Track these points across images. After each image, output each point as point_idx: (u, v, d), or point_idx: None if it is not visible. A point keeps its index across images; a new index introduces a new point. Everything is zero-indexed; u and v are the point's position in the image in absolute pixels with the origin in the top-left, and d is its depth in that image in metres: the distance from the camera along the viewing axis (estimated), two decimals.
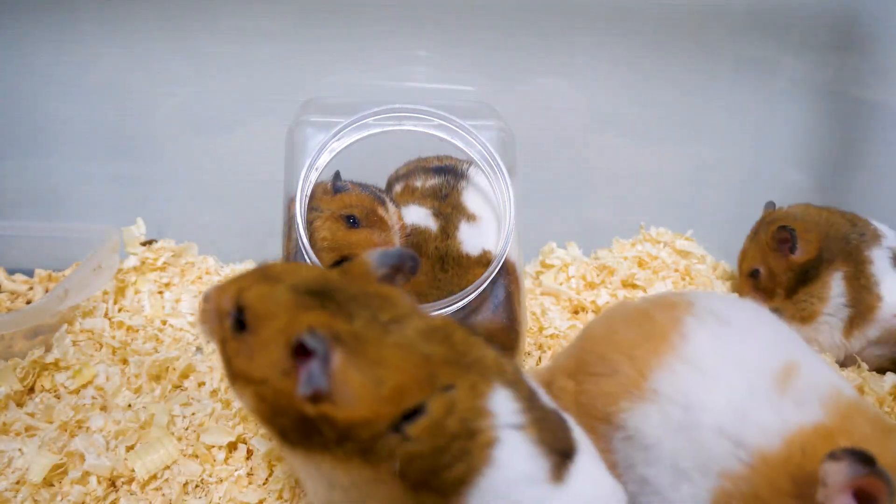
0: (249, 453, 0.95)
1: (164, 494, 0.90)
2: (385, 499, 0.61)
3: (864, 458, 0.57)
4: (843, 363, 1.24)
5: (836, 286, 1.21)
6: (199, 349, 1.20)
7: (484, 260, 1.05)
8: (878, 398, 1.08)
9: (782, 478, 0.65)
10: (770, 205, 1.37)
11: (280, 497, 0.89)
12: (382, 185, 1.21)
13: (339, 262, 0.97)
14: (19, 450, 0.92)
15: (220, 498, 0.89)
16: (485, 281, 0.99)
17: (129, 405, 1.03)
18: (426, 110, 1.04)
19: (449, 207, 1.10)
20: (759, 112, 1.59)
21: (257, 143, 1.49)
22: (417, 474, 0.59)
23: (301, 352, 0.59)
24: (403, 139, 1.06)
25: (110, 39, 1.43)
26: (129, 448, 0.93)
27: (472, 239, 1.07)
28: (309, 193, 1.01)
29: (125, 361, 1.13)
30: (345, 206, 1.03)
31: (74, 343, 1.15)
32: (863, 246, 1.21)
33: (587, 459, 0.67)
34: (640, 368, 0.76)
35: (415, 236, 1.08)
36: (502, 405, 0.62)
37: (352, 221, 1.02)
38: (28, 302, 1.29)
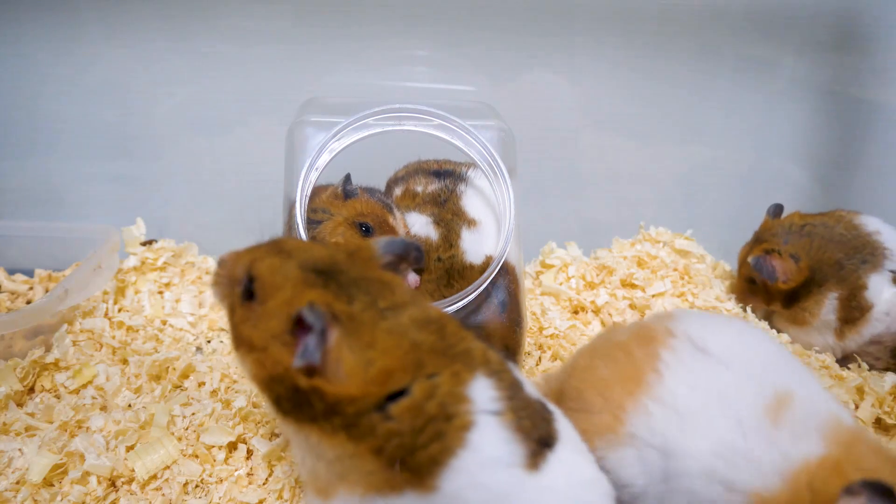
0: (249, 453, 0.95)
1: (164, 494, 0.90)
2: (364, 474, 0.63)
3: (884, 491, 0.54)
4: (842, 362, 1.24)
5: (828, 304, 1.23)
6: (199, 349, 1.20)
7: (487, 266, 1.05)
8: (878, 398, 1.08)
9: None
10: (777, 207, 1.35)
11: (280, 497, 0.89)
12: (382, 185, 1.21)
13: None
14: (19, 450, 0.92)
15: (220, 498, 0.89)
16: (485, 281, 0.99)
17: (129, 405, 1.03)
18: (426, 110, 1.04)
19: (449, 213, 1.10)
20: (759, 112, 1.59)
21: (257, 143, 1.49)
22: (395, 451, 0.62)
23: (300, 326, 0.63)
24: (403, 139, 1.06)
25: (110, 39, 1.43)
26: (129, 448, 0.93)
27: (474, 246, 1.07)
28: (309, 193, 1.01)
29: (125, 361, 1.13)
30: (358, 214, 1.04)
31: (74, 343, 1.15)
32: (861, 272, 1.21)
33: (569, 450, 0.68)
34: (615, 411, 0.73)
35: None
36: (481, 393, 0.64)
37: (365, 230, 1.03)
38: (28, 302, 1.29)
